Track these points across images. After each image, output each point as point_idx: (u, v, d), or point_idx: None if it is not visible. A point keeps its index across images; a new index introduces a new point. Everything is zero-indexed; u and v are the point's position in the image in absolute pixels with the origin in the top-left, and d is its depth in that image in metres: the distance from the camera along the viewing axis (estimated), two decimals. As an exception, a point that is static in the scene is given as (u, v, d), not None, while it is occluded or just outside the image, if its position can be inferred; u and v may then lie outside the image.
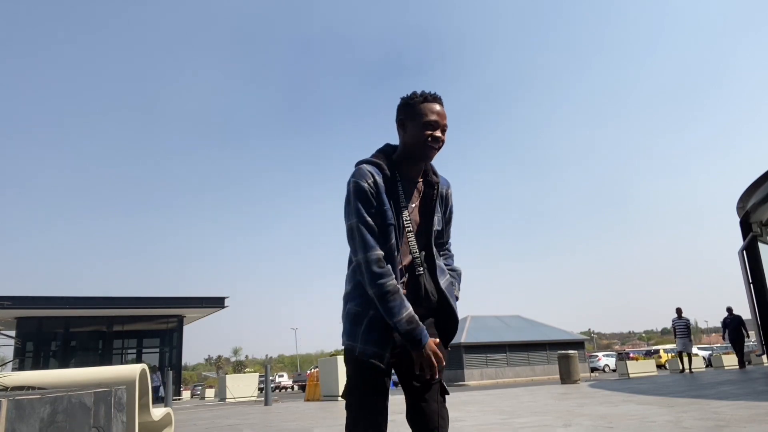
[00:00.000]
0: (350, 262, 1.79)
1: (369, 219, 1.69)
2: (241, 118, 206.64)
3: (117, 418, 1.98)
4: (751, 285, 12.29)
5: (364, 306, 1.73)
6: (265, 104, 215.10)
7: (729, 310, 16.08)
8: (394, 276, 1.67)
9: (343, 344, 1.78)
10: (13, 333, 24.14)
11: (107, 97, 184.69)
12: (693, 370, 16.41)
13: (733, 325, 15.83)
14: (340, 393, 12.47)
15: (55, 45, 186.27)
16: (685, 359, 15.96)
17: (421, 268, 1.79)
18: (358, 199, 1.70)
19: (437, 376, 1.73)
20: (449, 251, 2.03)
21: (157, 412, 3.80)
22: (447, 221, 1.97)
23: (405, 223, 1.78)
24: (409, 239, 1.78)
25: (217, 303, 25.46)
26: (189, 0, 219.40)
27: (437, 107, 1.79)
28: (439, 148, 1.80)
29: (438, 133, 1.78)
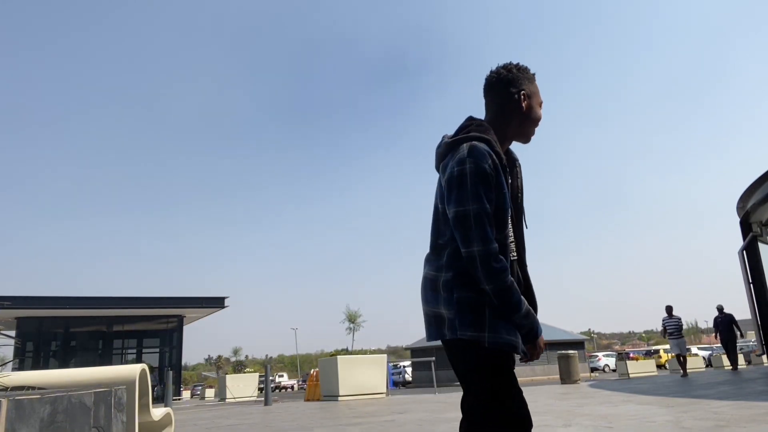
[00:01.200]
0: (444, 246, 1.59)
1: (488, 207, 1.49)
2: (241, 118, 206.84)
3: (117, 418, 1.98)
4: (751, 285, 12.30)
5: (480, 293, 1.52)
6: (265, 104, 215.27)
7: (719, 308, 15.38)
8: (510, 270, 1.53)
9: (460, 336, 1.52)
10: (13, 333, 24.15)
11: (108, 96, 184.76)
12: (688, 371, 15.68)
13: (724, 325, 15.11)
14: (339, 393, 12.69)
15: (56, 43, 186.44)
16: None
17: (514, 253, 1.69)
18: (480, 182, 1.49)
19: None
20: None
21: (157, 412, 3.80)
22: None
23: (522, 207, 1.71)
24: (516, 226, 1.69)
25: (217, 303, 25.47)
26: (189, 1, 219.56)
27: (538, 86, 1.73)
28: None
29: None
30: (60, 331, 24.68)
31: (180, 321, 26.78)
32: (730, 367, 15.43)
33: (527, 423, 1.52)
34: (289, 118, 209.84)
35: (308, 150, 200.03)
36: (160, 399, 21.04)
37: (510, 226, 1.60)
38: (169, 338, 26.88)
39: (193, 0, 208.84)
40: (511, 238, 1.65)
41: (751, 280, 12.30)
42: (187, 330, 27.72)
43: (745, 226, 12.96)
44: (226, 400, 18.91)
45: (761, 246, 12.80)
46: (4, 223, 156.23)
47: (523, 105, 1.64)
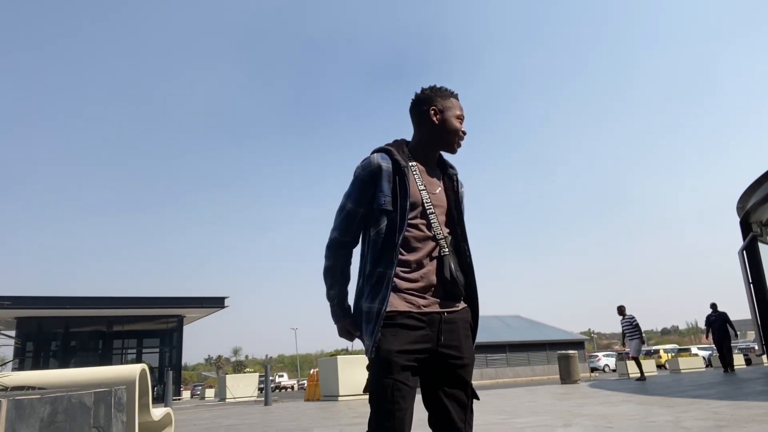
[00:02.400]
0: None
1: (351, 205, 1.77)
2: (242, 118, 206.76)
3: (117, 418, 1.98)
4: (751, 285, 12.30)
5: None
6: (266, 104, 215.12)
7: (713, 306, 14.61)
8: (342, 258, 1.81)
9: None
10: (13, 333, 24.12)
11: (108, 95, 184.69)
12: (646, 374, 14.75)
13: (718, 324, 14.35)
14: (339, 393, 12.66)
15: (56, 43, 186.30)
16: (634, 363, 14.14)
17: (446, 249, 1.76)
18: (352, 184, 1.79)
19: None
20: None
21: (157, 412, 3.80)
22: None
23: (426, 204, 1.76)
24: (431, 220, 1.76)
25: (217, 303, 25.45)
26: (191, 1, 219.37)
27: (460, 103, 1.89)
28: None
29: (465, 128, 1.87)
30: (60, 331, 24.65)
31: (180, 321, 26.75)
32: (723, 369, 14.64)
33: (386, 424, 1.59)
34: (290, 118, 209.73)
35: (309, 150, 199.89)
36: (160, 399, 21.02)
37: (386, 224, 1.74)
38: (169, 338, 26.86)
39: (194, 0, 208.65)
40: (437, 230, 1.77)
41: (751, 280, 12.30)
42: (187, 330, 27.71)
43: (745, 226, 12.95)
44: (226, 400, 18.90)
45: (761, 246, 12.79)
46: (4, 223, 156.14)
47: (435, 119, 1.82)
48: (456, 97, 1.88)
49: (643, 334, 13.88)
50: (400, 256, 1.71)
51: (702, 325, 15.85)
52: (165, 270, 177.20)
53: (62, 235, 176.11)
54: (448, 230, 1.81)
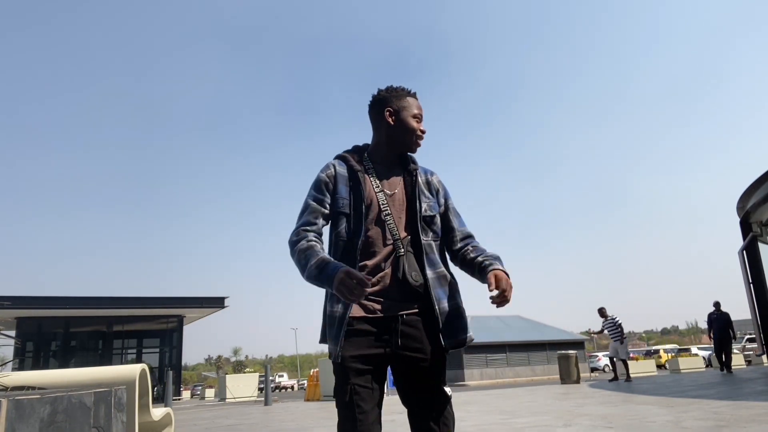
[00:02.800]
0: None
1: (311, 201, 1.79)
2: (243, 118, 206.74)
3: (117, 418, 1.98)
4: (751, 285, 12.29)
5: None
6: (267, 104, 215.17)
7: (716, 305, 13.94)
8: (309, 239, 1.72)
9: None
10: (13, 333, 24.11)
11: (108, 95, 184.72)
12: (632, 376, 14.46)
13: (719, 324, 13.84)
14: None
15: (57, 44, 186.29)
16: (619, 364, 13.83)
17: (402, 250, 1.74)
18: (312, 186, 1.82)
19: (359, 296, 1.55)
20: (477, 245, 1.91)
21: (157, 412, 3.80)
22: (447, 207, 1.92)
23: (382, 206, 1.76)
24: (388, 222, 1.75)
25: (217, 303, 25.45)
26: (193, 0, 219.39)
27: (418, 102, 1.88)
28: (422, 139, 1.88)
29: (423, 127, 1.87)
30: (60, 331, 24.64)
31: (180, 321, 26.75)
32: (720, 369, 14.05)
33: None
34: (291, 118, 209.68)
35: (309, 150, 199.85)
36: (160, 399, 21.03)
37: (345, 225, 1.77)
38: (169, 338, 26.85)
39: (196, 0, 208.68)
40: (394, 231, 1.75)
41: (751, 280, 12.30)
42: (187, 330, 27.71)
43: (745, 226, 12.95)
44: (226, 400, 18.90)
45: (761, 246, 12.79)
46: (4, 223, 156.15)
47: (390, 120, 1.84)
48: (413, 96, 1.88)
49: (624, 335, 13.61)
50: (359, 262, 1.71)
51: (702, 324, 15.96)
52: (165, 270, 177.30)
53: (62, 235, 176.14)
54: (405, 233, 1.78)
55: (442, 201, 1.91)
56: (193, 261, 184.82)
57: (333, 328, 1.69)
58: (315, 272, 1.62)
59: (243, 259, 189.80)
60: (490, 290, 1.68)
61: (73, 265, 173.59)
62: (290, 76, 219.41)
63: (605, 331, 13.86)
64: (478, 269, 1.81)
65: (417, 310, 1.73)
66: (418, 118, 1.85)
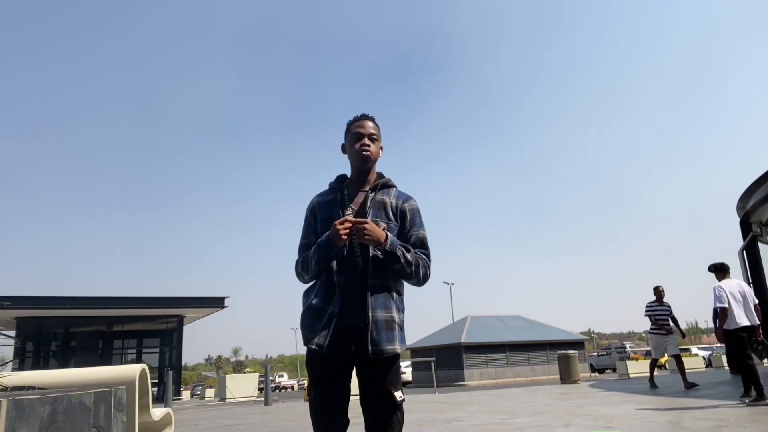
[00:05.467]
0: None
1: (303, 240, 2.11)
2: (243, 118, 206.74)
3: (117, 418, 1.98)
4: (751, 285, 12.29)
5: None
6: (268, 104, 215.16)
7: None
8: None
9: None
10: (13, 333, 24.11)
11: (108, 95, 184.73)
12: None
13: None
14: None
15: (58, 44, 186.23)
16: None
17: (361, 265, 1.98)
18: (303, 226, 2.15)
19: (363, 235, 1.90)
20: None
21: (157, 412, 3.79)
22: (409, 235, 2.08)
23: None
24: (353, 240, 1.97)
25: (217, 303, 25.44)
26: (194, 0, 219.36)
27: (362, 122, 2.11)
28: (370, 152, 2.07)
29: (365, 140, 2.07)
30: (60, 331, 24.63)
31: (180, 321, 26.74)
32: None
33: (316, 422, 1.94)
34: (292, 118, 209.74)
35: (310, 150, 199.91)
36: (160, 399, 21.03)
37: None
38: (169, 338, 26.84)
39: (197, 0, 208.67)
40: (357, 251, 2.00)
41: (751, 280, 12.30)
42: (187, 330, 27.69)
43: (745, 226, 12.95)
44: (226, 400, 18.89)
45: (761, 246, 12.79)
46: (5, 223, 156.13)
47: (345, 153, 2.18)
48: (358, 119, 2.11)
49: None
50: (335, 277, 1.97)
51: (702, 325, 15.39)
52: (165, 270, 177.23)
53: (62, 235, 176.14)
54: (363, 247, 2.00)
55: (407, 226, 2.08)
56: (193, 261, 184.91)
57: (320, 321, 1.94)
58: (314, 252, 1.97)
59: (243, 259, 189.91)
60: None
61: (73, 265, 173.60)
62: (291, 76, 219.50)
63: (653, 318, 10.34)
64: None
65: (363, 320, 1.94)
66: (357, 136, 2.08)
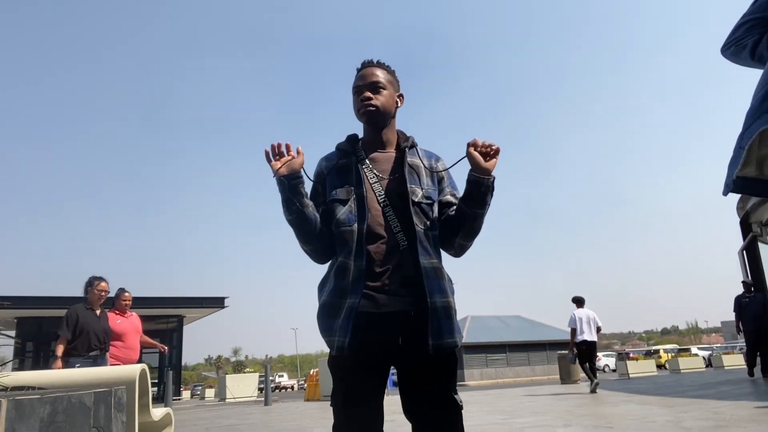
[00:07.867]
0: None
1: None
2: (244, 118, 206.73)
3: (117, 418, 1.98)
4: (752, 285, 12.29)
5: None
6: (269, 103, 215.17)
7: (747, 285, 10.54)
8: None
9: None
10: (13, 333, 24.11)
11: (109, 96, 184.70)
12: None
13: (753, 310, 10.08)
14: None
15: (58, 45, 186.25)
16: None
17: (404, 242, 1.62)
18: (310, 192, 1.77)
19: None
20: None
21: (157, 412, 3.80)
22: (443, 194, 1.78)
23: (377, 193, 1.67)
24: (387, 213, 1.64)
25: (217, 303, 25.43)
26: (195, 0, 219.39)
27: (362, 72, 1.76)
28: (374, 106, 1.71)
29: (366, 93, 1.72)
30: (60, 331, 24.64)
31: (180, 321, 26.73)
32: (749, 372, 10.53)
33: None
34: (292, 117, 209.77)
35: (309, 150, 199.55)
36: (159, 399, 21.02)
37: (339, 215, 1.66)
38: (169, 338, 26.81)
39: (198, 0, 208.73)
40: (394, 224, 1.64)
41: (751, 280, 12.29)
42: (187, 330, 27.68)
43: (745, 226, 12.94)
44: (226, 400, 18.89)
45: (761, 246, 12.78)
46: (5, 223, 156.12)
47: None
48: (359, 69, 1.78)
49: None
50: (366, 246, 1.61)
51: (702, 325, 15.37)
52: (165, 270, 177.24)
53: (62, 235, 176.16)
54: (399, 220, 1.67)
55: (447, 190, 1.79)
56: (193, 261, 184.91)
57: (337, 318, 1.57)
58: (288, 198, 1.63)
59: (243, 259, 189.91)
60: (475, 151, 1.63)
61: (73, 265, 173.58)
62: (292, 75, 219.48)
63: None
64: (463, 198, 1.70)
65: (415, 307, 1.59)
66: (357, 90, 1.75)
